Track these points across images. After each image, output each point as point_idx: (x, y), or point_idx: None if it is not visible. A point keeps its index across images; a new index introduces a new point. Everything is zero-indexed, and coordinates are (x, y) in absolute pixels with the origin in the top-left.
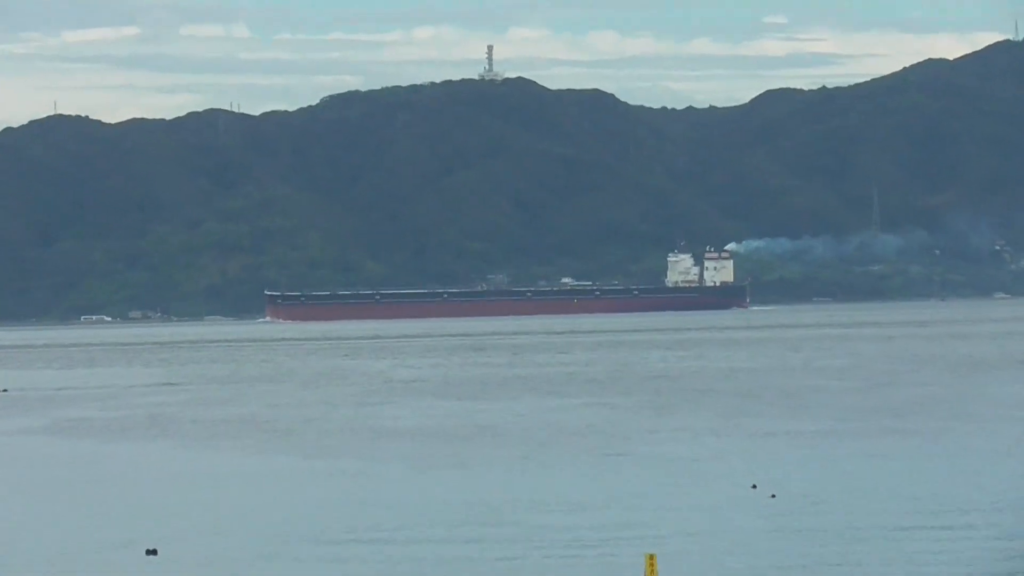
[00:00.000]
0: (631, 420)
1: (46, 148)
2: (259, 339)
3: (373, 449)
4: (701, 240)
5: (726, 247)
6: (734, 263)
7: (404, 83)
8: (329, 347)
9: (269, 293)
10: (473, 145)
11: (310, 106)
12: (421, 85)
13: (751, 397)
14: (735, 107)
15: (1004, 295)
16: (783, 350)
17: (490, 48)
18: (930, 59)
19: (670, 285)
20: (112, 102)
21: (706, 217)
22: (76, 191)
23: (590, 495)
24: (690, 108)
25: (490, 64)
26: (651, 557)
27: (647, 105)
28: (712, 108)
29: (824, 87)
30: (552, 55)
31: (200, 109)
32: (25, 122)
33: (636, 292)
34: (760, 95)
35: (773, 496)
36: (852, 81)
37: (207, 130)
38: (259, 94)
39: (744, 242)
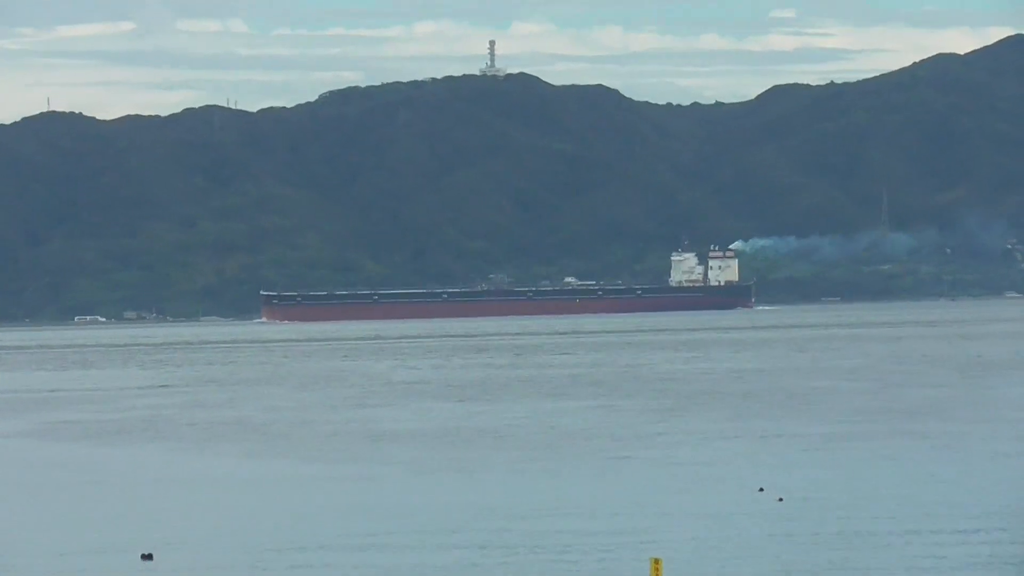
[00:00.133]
0: (635, 422)
1: (39, 146)
2: (255, 340)
3: (372, 453)
4: (708, 239)
5: (731, 246)
6: (739, 262)
7: (404, 79)
8: (327, 348)
9: (265, 293)
10: (475, 142)
11: (309, 103)
12: (422, 81)
13: (757, 399)
14: (742, 103)
15: (1016, 294)
16: (790, 351)
17: (492, 43)
18: (941, 54)
19: (674, 285)
20: (106, 99)
21: (712, 215)
22: (69, 189)
23: (594, 499)
24: (696, 104)
25: (492, 60)
26: (656, 562)
27: (652, 101)
28: (719, 104)
29: (833, 82)
30: (555, 50)
31: (196, 106)
32: (17, 119)
33: (639, 292)
34: (768, 91)
35: (780, 500)
36: (861, 76)
37: (203, 127)
38: (257, 90)
39: (751, 240)
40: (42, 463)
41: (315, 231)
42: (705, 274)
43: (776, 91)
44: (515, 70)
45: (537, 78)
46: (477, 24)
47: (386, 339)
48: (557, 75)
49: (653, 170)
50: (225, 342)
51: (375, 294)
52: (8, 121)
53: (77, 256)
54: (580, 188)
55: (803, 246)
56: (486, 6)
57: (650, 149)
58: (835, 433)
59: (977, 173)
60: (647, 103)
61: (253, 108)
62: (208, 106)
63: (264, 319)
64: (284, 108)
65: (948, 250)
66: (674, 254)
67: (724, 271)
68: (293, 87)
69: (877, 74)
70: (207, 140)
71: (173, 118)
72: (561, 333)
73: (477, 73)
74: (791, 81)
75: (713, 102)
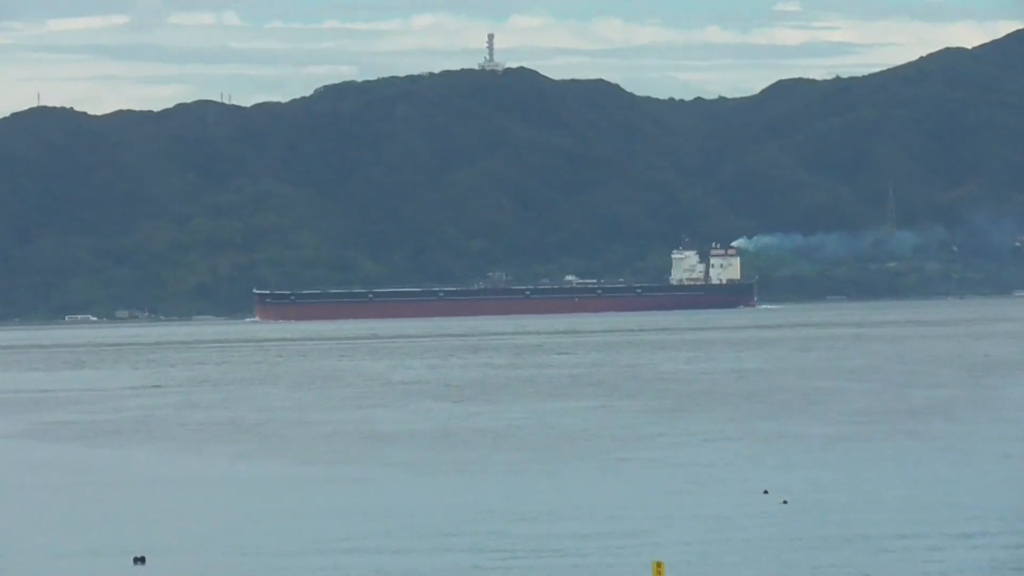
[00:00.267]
0: (636, 423)
1: (29, 142)
2: (249, 340)
3: (369, 454)
4: (711, 237)
5: (733, 243)
6: (742, 260)
7: (401, 74)
8: (322, 348)
9: (258, 292)
10: (473, 138)
11: (303, 98)
12: (419, 76)
13: (760, 399)
14: (746, 98)
15: None
16: (793, 351)
17: (491, 37)
18: (948, 48)
19: (675, 283)
20: (98, 93)
21: (715, 213)
22: (60, 186)
23: (595, 501)
24: (699, 99)
25: (491, 54)
26: (659, 565)
27: (654, 96)
28: (722, 99)
29: (839, 77)
30: (555, 44)
31: (189, 100)
32: (7, 114)
33: (639, 291)
34: (772, 85)
35: (785, 502)
36: (868, 71)
37: (196, 122)
38: (250, 85)
39: (755, 238)
40: (33, 464)
41: (311, 229)
42: (706, 272)
43: (781, 86)
44: (514, 64)
45: (536, 72)
46: (475, 17)
47: (382, 338)
48: (557, 69)
49: (655, 166)
50: (218, 342)
51: (370, 293)
52: None
53: (68, 254)
54: (580, 185)
55: (808, 244)
56: None
57: (652, 145)
58: (839, 434)
59: (985, 169)
60: (649, 98)
61: (247, 103)
62: (201, 101)
63: (257, 318)
64: (279, 103)
65: (955, 248)
66: (675, 252)
67: (726, 269)
68: (288, 82)
69: (884, 68)
70: (200, 136)
71: (166, 113)
72: (560, 332)
73: (475, 67)
74: (796, 76)
75: (716, 97)
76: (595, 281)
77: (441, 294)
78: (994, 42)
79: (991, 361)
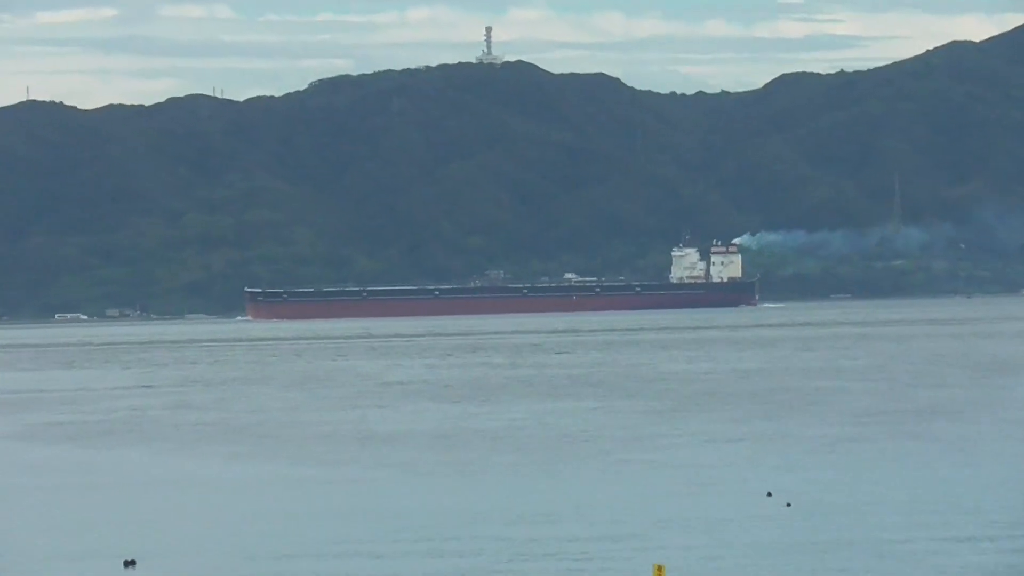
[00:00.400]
0: (636, 424)
1: (18, 137)
2: (242, 339)
3: (365, 455)
4: (713, 234)
5: (737, 240)
6: (744, 258)
7: (397, 67)
8: (315, 347)
9: (249, 290)
10: (471, 133)
11: (298, 91)
12: (416, 69)
13: (762, 400)
14: (749, 92)
15: None
16: (796, 350)
17: (489, 30)
18: (955, 41)
19: (674, 281)
20: (88, 87)
21: (717, 209)
22: (50, 182)
23: (596, 503)
24: (701, 93)
25: (489, 47)
26: (659, 569)
27: (655, 90)
28: (724, 93)
29: (843, 71)
30: (554, 37)
31: (181, 94)
32: None
33: (638, 289)
34: (775, 79)
35: (788, 505)
36: (873, 65)
37: (188, 117)
38: (243, 79)
39: (758, 235)
40: (22, 466)
41: (305, 225)
42: (707, 270)
43: (784, 80)
44: (512, 57)
45: (535, 66)
46: (473, 10)
47: (377, 337)
48: (556, 63)
49: (656, 162)
50: (211, 341)
51: (364, 291)
52: None
53: (58, 251)
54: (580, 181)
55: (812, 241)
56: None
57: (653, 140)
58: (843, 435)
59: (993, 165)
60: (650, 92)
61: (240, 97)
62: (193, 95)
63: (249, 317)
64: (272, 97)
65: (963, 245)
66: (675, 249)
67: (727, 267)
68: (281, 75)
69: (889, 62)
70: (192, 130)
71: (157, 107)
72: (558, 332)
73: (473, 61)
74: (800, 69)
75: (719, 91)
76: (594, 279)
77: (436, 292)
78: (1002, 35)
79: (1000, 361)
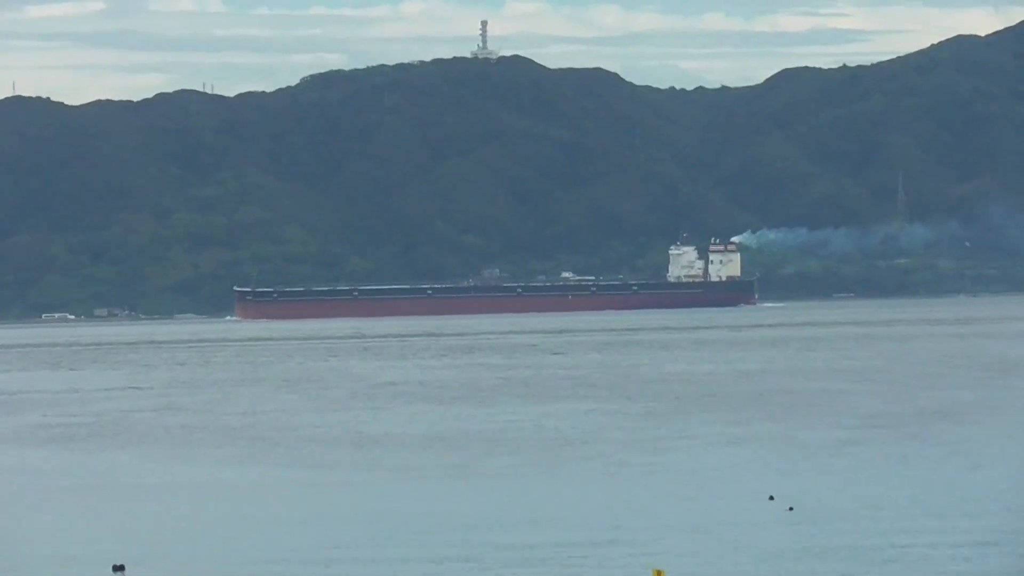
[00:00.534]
0: (636, 426)
1: (4, 133)
2: (232, 339)
3: (358, 458)
4: (712, 232)
5: (738, 238)
6: (744, 256)
7: (391, 62)
8: (306, 348)
9: (238, 289)
10: (466, 129)
11: (289, 87)
12: (410, 64)
13: (763, 401)
14: (750, 87)
15: None
16: (796, 351)
17: (484, 24)
18: (961, 35)
19: (672, 280)
20: (75, 83)
21: (717, 207)
22: (37, 179)
23: (594, 507)
24: (700, 89)
25: (484, 41)
26: (659, 573)
27: (654, 85)
28: (724, 89)
29: (846, 66)
30: (551, 31)
31: (171, 90)
32: None
33: (635, 288)
34: (777, 74)
35: (791, 509)
36: (877, 59)
37: (178, 113)
38: (234, 74)
39: (759, 232)
40: (7, 469)
41: (297, 224)
42: (705, 269)
43: (786, 75)
44: (508, 52)
45: (532, 61)
46: (468, 3)
47: (368, 338)
48: (553, 58)
49: (655, 159)
50: (200, 341)
51: (355, 290)
52: None
53: (45, 250)
54: (577, 178)
55: (814, 239)
56: None
57: (652, 136)
58: (846, 438)
59: (1000, 161)
60: (648, 87)
61: (230, 93)
62: (183, 90)
63: (237, 316)
64: (263, 93)
65: (968, 243)
66: (672, 247)
67: (726, 266)
68: (273, 70)
69: (893, 57)
70: (182, 127)
71: (146, 103)
72: (553, 332)
73: (468, 56)
74: (802, 64)
75: (719, 86)
76: (591, 278)
77: (429, 292)
78: (1009, 29)
79: (1006, 362)
